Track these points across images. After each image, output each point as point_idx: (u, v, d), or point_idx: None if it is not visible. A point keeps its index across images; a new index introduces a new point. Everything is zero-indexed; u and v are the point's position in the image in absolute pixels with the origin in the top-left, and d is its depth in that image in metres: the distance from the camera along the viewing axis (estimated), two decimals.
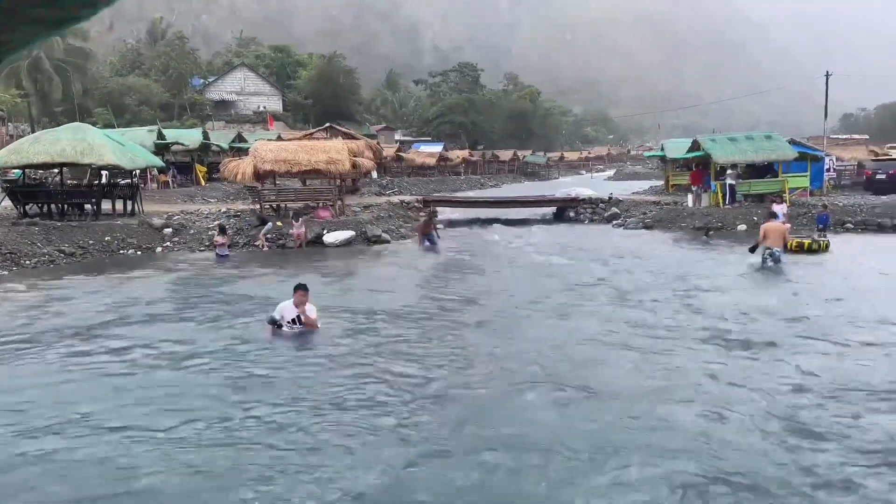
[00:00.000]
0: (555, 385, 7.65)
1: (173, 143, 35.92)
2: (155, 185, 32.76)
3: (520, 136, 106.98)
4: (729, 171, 25.07)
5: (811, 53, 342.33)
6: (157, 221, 21.15)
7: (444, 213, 30.36)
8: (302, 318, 9.64)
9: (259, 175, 23.28)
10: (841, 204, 24.48)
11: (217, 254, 18.65)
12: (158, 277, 15.43)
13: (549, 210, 30.95)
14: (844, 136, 63.41)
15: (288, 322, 9.64)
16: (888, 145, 69.00)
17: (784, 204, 21.24)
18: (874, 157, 42.06)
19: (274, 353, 9.10)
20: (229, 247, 19.28)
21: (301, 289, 9.71)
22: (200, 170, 37.76)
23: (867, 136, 69.61)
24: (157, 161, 27.39)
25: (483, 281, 14.91)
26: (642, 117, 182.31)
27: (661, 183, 40.96)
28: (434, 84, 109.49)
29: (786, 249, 15.59)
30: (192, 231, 21.24)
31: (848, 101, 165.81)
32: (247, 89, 73.49)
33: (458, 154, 73.61)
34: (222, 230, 19.40)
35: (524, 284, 14.27)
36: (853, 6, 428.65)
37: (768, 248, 14.62)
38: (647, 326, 10.20)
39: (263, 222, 20.79)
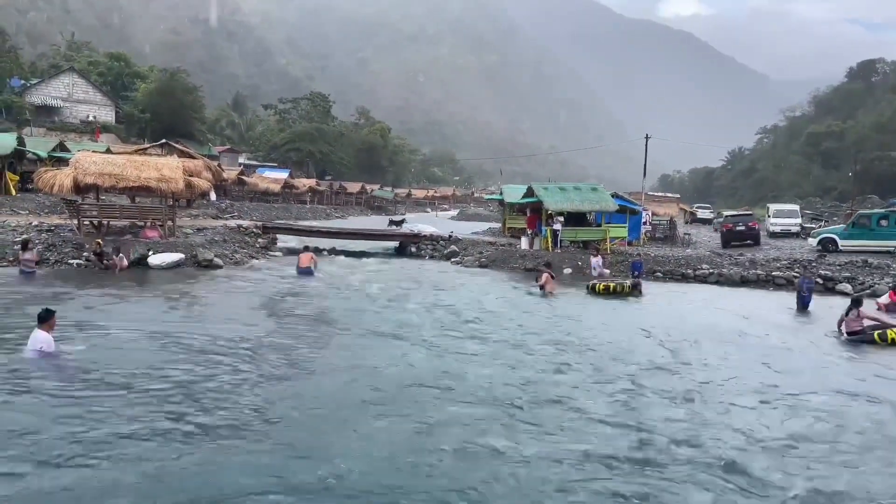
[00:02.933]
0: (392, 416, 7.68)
1: None
2: None
3: (369, 170, 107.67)
4: (556, 218, 26.83)
5: (633, 117, 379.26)
6: None
7: (286, 241, 29.71)
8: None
9: (80, 188, 21.51)
10: (653, 254, 26.99)
11: (21, 270, 16.89)
12: None
13: (392, 244, 31.35)
14: (660, 194, 70.52)
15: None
16: (696, 204, 77.85)
17: (600, 256, 23.05)
18: (687, 213, 48.22)
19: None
20: (37, 263, 17.50)
21: (53, 314, 9.48)
22: (11, 178, 34.10)
23: (679, 196, 77.97)
24: None
25: (313, 312, 14.66)
26: (486, 162, 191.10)
27: (499, 225, 42.90)
28: (284, 110, 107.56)
29: (595, 292, 18.48)
30: None
31: (666, 162, 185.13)
32: (75, 96, 67.68)
33: (304, 182, 72.62)
34: (26, 245, 17.58)
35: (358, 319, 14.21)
36: (668, 81, 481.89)
37: (542, 291, 18.26)
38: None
39: (100, 257, 18.66)
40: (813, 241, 31.11)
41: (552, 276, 18.72)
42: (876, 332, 12.53)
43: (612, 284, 18.64)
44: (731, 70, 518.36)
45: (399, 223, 37.69)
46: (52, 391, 7.91)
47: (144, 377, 8.56)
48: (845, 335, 12.96)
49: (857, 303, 13.13)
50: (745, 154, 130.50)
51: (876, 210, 33.66)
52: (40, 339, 9.25)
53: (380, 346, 11.44)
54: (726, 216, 41.61)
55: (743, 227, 35.12)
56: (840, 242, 29.49)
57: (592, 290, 18.70)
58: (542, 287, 18.38)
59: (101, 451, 6.20)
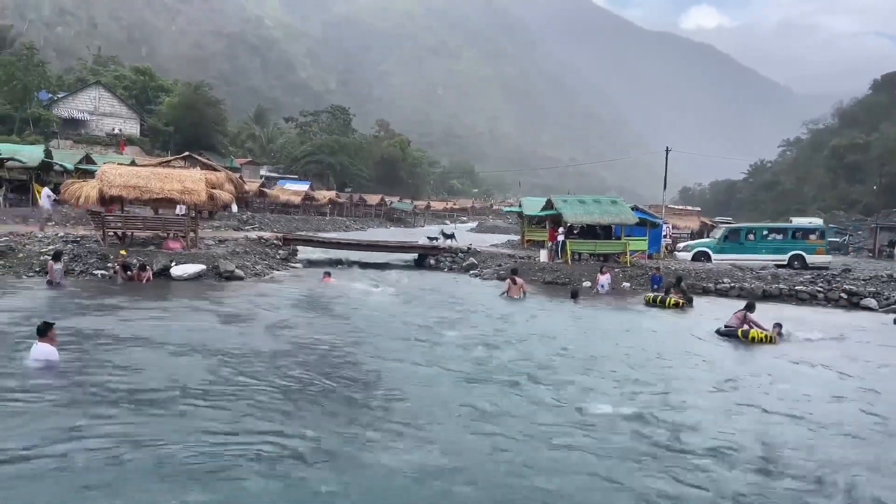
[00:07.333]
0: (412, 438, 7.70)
1: (8, 159, 32.90)
2: None
3: (388, 182, 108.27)
4: (561, 230, 26.82)
5: (654, 129, 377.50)
6: None
7: (305, 252, 29.92)
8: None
9: (105, 200, 21.88)
10: (673, 267, 26.77)
11: (49, 280, 17.16)
12: None
13: (411, 256, 31.43)
14: (680, 207, 69.95)
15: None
16: (717, 217, 77.10)
17: (608, 275, 22.83)
18: (709, 226, 50.53)
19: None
20: (65, 273, 17.79)
21: (52, 326, 9.46)
22: (39, 190, 34.79)
23: (700, 209, 77.30)
24: None
25: (338, 326, 14.72)
26: (505, 174, 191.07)
27: (518, 237, 42.86)
28: (305, 123, 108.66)
29: (663, 306, 19.02)
30: (20, 254, 19.42)
31: (687, 175, 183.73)
32: (101, 109, 69.00)
33: (324, 194, 73.17)
34: (57, 256, 17.88)
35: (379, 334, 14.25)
36: (689, 93, 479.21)
37: (505, 295, 19.65)
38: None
39: (124, 268, 18.87)
40: (687, 256, 31.09)
41: (514, 282, 19.89)
42: (740, 331, 14.12)
43: (670, 299, 19.21)
44: (753, 83, 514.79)
45: (451, 236, 38.56)
46: (65, 404, 8.01)
47: (166, 388, 8.66)
48: (722, 327, 14.60)
49: (749, 307, 14.65)
50: (767, 167, 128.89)
51: (743, 225, 35.61)
52: (42, 351, 9.24)
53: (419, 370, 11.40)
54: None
55: None
56: (713, 256, 30.02)
57: (653, 303, 19.40)
58: (507, 292, 19.68)
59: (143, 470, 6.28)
